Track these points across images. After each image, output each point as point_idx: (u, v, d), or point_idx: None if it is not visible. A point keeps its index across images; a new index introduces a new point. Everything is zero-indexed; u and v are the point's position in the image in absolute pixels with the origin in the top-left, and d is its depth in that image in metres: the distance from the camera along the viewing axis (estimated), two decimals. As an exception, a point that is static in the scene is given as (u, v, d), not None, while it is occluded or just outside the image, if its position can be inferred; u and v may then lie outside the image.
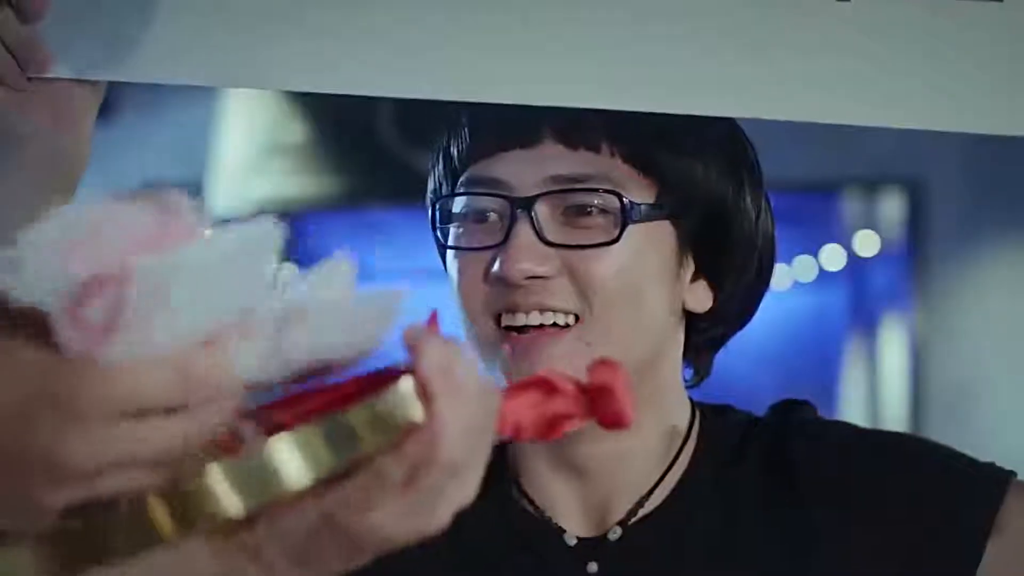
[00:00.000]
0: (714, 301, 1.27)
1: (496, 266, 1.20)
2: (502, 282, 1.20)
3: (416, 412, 0.69)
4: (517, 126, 1.21)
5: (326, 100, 5.31)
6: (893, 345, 6.16)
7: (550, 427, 0.79)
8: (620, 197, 1.20)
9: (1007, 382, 5.30)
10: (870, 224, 6.41)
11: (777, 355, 7.03)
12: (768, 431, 1.28)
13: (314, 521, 0.71)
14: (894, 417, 5.87)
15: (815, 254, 7.31)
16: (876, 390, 6.55)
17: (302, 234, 5.36)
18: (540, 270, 1.19)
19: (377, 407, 0.69)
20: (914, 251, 5.74)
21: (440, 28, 1.15)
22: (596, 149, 1.21)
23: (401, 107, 5.12)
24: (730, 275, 1.27)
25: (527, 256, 1.19)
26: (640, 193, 1.21)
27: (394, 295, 0.71)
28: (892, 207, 6.04)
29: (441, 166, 1.27)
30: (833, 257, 7.11)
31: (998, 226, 5.36)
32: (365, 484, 0.70)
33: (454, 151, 1.26)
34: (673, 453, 1.27)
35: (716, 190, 1.24)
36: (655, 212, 1.21)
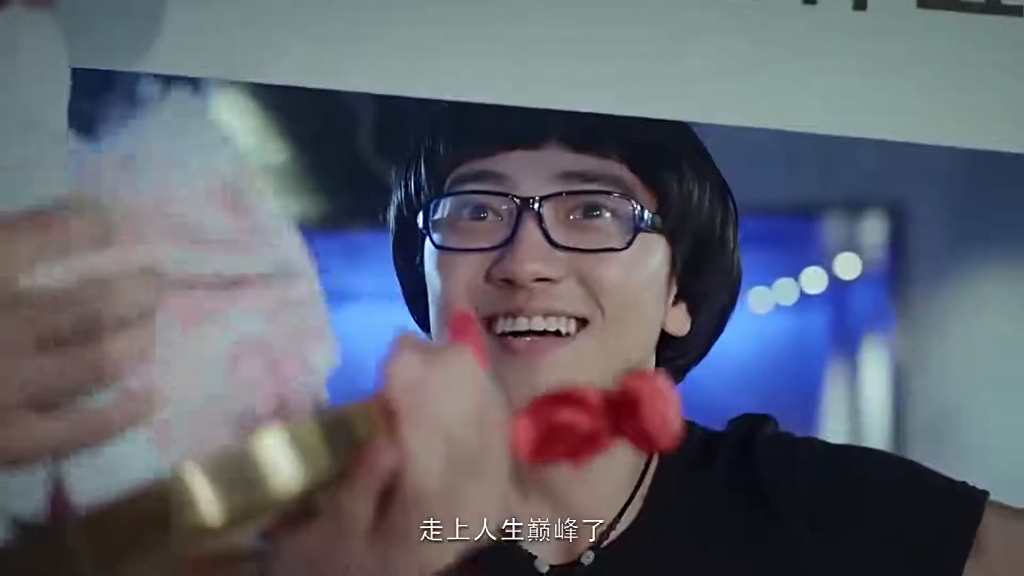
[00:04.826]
0: (691, 326, 1.26)
1: (500, 266, 1.16)
2: (507, 284, 1.16)
3: (373, 435, 0.63)
4: (521, 125, 1.17)
5: (309, 122, 5.31)
6: (874, 368, 6.16)
7: (578, 449, 0.69)
8: (632, 202, 1.18)
9: (989, 405, 5.30)
10: (851, 247, 6.42)
11: (758, 378, 7.02)
12: (732, 446, 1.26)
13: (301, 569, 0.65)
14: (876, 440, 5.86)
15: (796, 277, 7.32)
16: (857, 413, 6.55)
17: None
18: (549, 272, 1.15)
19: (373, 409, 0.63)
20: (895, 274, 5.75)
21: (441, 27, 1.14)
22: (603, 154, 1.18)
23: (384, 128, 5.11)
24: (709, 301, 1.26)
25: (536, 256, 1.15)
26: (645, 201, 1.19)
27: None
28: (873, 230, 6.05)
29: (424, 168, 1.22)
30: (814, 280, 7.11)
31: (980, 249, 5.36)
32: (333, 523, 0.64)
33: (441, 149, 1.21)
34: (639, 473, 1.25)
35: (707, 216, 1.23)
36: (659, 224, 1.19)
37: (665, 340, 1.25)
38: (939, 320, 5.52)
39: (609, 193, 1.18)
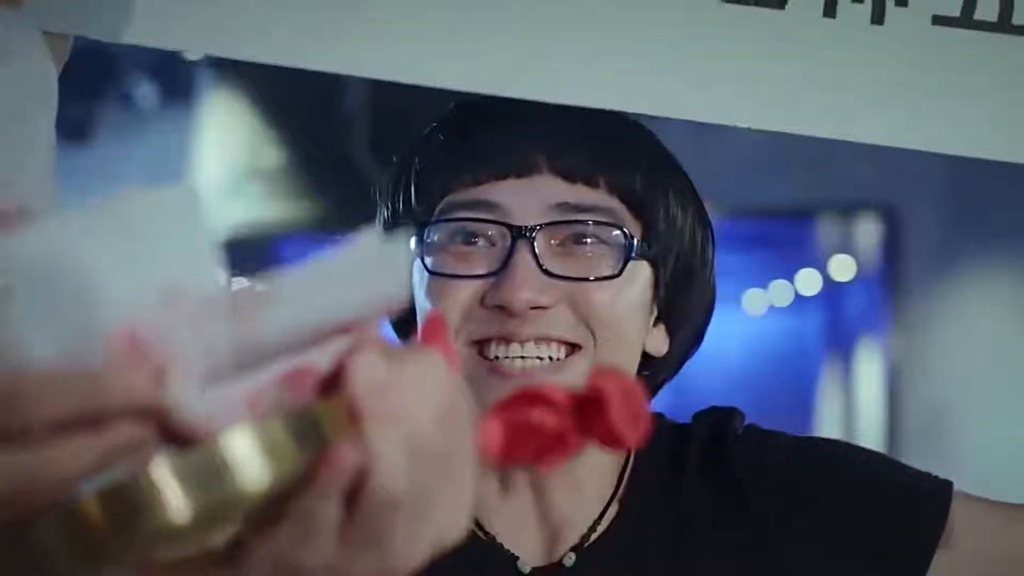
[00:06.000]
0: (668, 347, 1.27)
1: (494, 294, 1.17)
2: (501, 311, 1.18)
3: (335, 435, 0.61)
4: (513, 155, 1.19)
5: (301, 125, 5.32)
6: (868, 369, 6.18)
7: (545, 449, 0.68)
8: (623, 231, 1.19)
9: (981, 405, 5.32)
10: (846, 249, 6.44)
11: (753, 378, 7.04)
12: (703, 442, 1.27)
13: (269, 572, 0.63)
14: (869, 439, 5.88)
15: (791, 279, 7.34)
16: (852, 413, 6.57)
17: (277, 258, 5.35)
18: (542, 300, 1.16)
19: (337, 408, 0.62)
20: (889, 276, 5.77)
21: (444, 16, 1.14)
22: (594, 184, 1.20)
23: (376, 131, 5.12)
24: (686, 323, 1.28)
25: (529, 286, 1.16)
26: (633, 229, 1.21)
27: (398, 243, 0.63)
28: (868, 232, 6.07)
29: (415, 189, 1.22)
30: (809, 282, 7.13)
31: (973, 251, 5.38)
32: (300, 526, 0.63)
33: (433, 173, 1.21)
34: (618, 474, 1.26)
35: (689, 240, 1.25)
36: (646, 251, 1.21)
37: (643, 359, 1.26)
38: (933, 321, 5.53)
39: (601, 223, 1.19)
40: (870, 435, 5.89)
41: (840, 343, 6.86)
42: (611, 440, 0.68)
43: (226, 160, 5.62)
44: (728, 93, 1.17)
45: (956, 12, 1.17)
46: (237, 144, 5.63)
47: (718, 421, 1.28)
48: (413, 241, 1.21)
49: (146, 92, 5.33)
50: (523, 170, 1.19)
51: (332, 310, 0.63)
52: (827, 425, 6.85)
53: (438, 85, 1.16)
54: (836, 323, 7.03)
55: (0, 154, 0.91)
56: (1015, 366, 5.26)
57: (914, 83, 1.17)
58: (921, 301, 5.57)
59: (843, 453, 1.30)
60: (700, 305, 1.28)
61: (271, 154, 5.62)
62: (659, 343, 1.26)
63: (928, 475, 1.27)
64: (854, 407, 6.50)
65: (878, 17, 1.17)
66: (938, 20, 1.17)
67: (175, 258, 0.60)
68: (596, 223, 1.18)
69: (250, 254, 5.25)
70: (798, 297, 7.41)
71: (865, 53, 1.17)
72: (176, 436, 0.59)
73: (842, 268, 6.51)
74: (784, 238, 6.93)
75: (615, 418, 0.67)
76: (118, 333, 0.57)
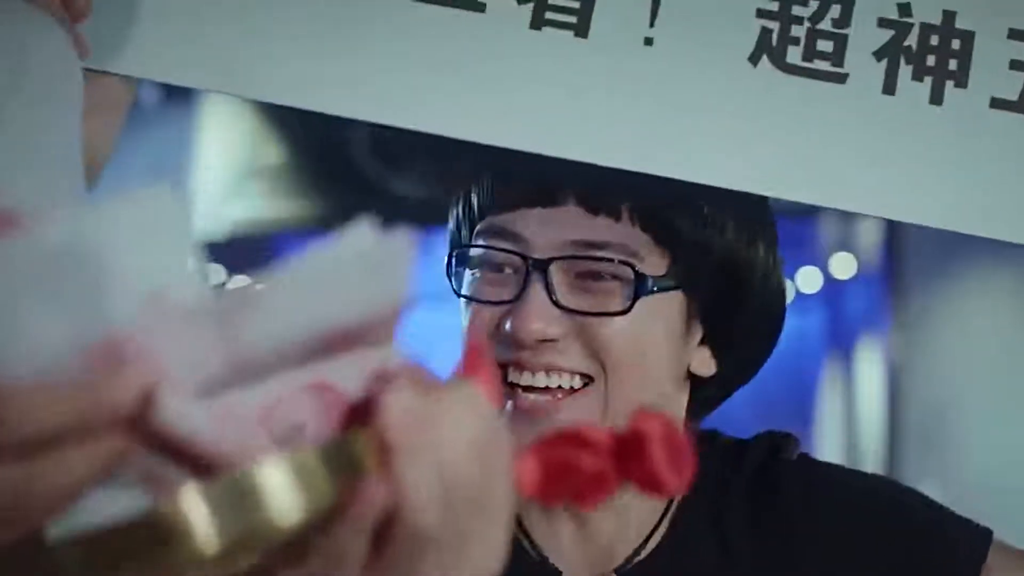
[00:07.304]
0: (719, 366, 1.28)
1: (507, 324, 1.21)
2: (513, 341, 1.20)
3: (367, 468, 0.60)
4: (541, 185, 1.22)
5: (303, 123, 5.31)
6: (869, 368, 6.17)
7: (583, 490, 0.67)
8: (635, 269, 1.20)
9: (982, 404, 5.31)
10: (847, 247, 6.43)
11: (753, 378, 7.03)
12: (755, 465, 1.28)
13: None
14: (870, 439, 5.88)
15: (792, 277, 7.33)
16: (852, 412, 6.56)
17: (278, 256, 5.35)
18: (551, 332, 1.20)
19: (368, 440, 0.60)
20: (890, 274, 5.76)
21: (447, 65, 1.16)
22: (616, 216, 1.21)
23: (377, 132, 5.12)
24: (738, 342, 1.28)
25: (539, 318, 1.19)
26: (654, 261, 1.22)
27: (395, 237, 0.62)
28: (869, 230, 6.07)
29: (462, 212, 1.28)
30: (810, 280, 7.12)
31: (974, 249, 5.38)
32: (328, 558, 0.62)
33: (475, 198, 1.26)
34: (667, 499, 1.27)
35: (731, 259, 1.25)
36: (666, 284, 1.22)
37: (698, 377, 1.27)
38: (934, 319, 5.53)
39: (613, 260, 1.20)
40: (870, 433, 5.89)
41: (841, 340, 6.85)
42: (651, 485, 0.67)
43: (226, 159, 5.62)
44: (784, 165, 1.18)
45: (1015, 96, 1.17)
46: (237, 144, 5.63)
47: (772, 446, 1.29)
48: (445, 259, 1.25)
49: (147, 91, 5.32)
50: (549, 199, 1.21)
51: (326, 311, 0.61)
52: (828, 421, 6.84)
53: (463, 137, 1.18)
54: (837, 321, 7.02)
55: (2, 153, 0.91)
56: (1015, 366, 5.26)
57: (969, 165, 1.19)
58: (922, 299, 5.57)
59: (887, 490, 1.31)
60: (752, 324, 1.28)
61: (271, 154, 5.62)
62: (705, 364, 1.27)
63: (968, 521, 1.28)
64: (855, 404, 6.49)
65: (937, 97, 1.18)
66: (996, 103, 1.17)
67: (156, 264, 0.58)
68: (608, 260, 1.20)
69: (250, 253, 5.25)
70: (799, 295, 7.39)
71: (922, 132, 1.18)
72: (173, 448, 0.58)
73: (843, 266, 6.50)
74: (785, 236, 6.91)
75: (656, 462, 0.66)
76: (101, 343, 0.56)
